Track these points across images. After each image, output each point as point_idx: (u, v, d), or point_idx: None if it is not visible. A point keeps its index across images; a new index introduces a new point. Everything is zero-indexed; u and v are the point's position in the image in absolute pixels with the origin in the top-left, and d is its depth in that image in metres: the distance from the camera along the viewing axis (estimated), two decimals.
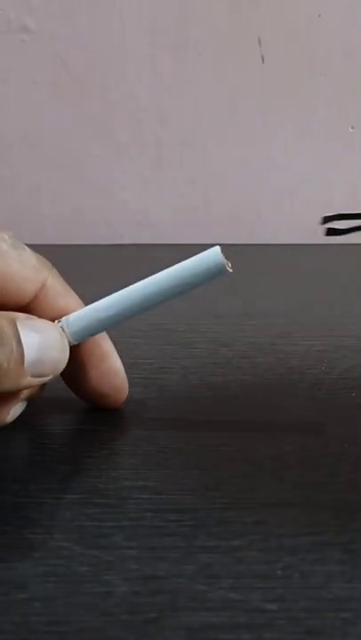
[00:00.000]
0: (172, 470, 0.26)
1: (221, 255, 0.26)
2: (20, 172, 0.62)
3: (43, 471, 0.27)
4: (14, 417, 0.28)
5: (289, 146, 0.62)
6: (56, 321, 0.27)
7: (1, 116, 0.61)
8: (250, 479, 0.26)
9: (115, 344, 0.30)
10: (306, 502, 0.24)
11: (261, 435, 0.29)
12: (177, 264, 0.27)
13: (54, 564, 0.21)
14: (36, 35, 0.59)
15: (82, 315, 0.27)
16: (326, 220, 0.26)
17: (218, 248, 0.26)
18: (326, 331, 0.40)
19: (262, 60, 0.60)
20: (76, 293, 0.29)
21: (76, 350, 0.28)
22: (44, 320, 0.27)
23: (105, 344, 0.29)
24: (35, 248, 0.28)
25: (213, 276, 0.26)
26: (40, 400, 0.29)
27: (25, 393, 0.27)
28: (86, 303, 0.28)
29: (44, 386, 0.28)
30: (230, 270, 0.26)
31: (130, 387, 0.30)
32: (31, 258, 0.27)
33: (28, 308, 0.27)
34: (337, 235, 0.26)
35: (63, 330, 0.27)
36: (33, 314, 0.27)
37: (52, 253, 0.29)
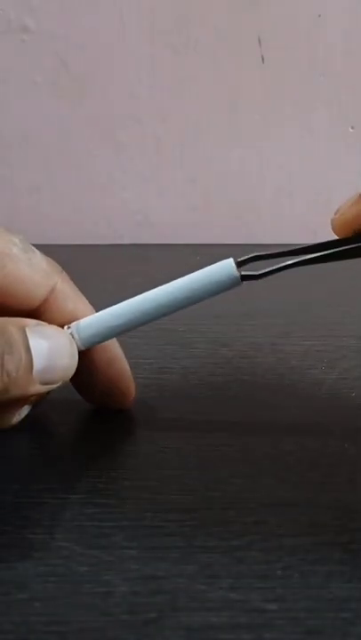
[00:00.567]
0: (172, 470, 0.26)
1: (235, 267, 0.26)
2: (20, 172, 0.62)
3: (43, 471, 0.27)
4: (19, 419, 0.28)
5: (289, 146, 0.62)
6: (65, 326, 0.27)
7: (1, 116, 0.61)
8: (250, 479, 0.26)
9: None
10: (306, 502, 0.24)
11: (261, 435, 0.29)
12: (189, 274, 0.27)
13: (54, 563, 0.21)
14: (36, 35, 0.59)
15: (92, 321, 0.27)
16: (240, 264, 0.26)
17: (231, 260, 0.26)
18: (326, 331, 0.40)
19: (262, 60, 0.60)
20: None
21: (84, 354, 0.27)
22: (54, 326, 0.26)
23: (113, 348, 0.29)
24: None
25: (226, 287, 0.26)
26: (40, 401, 0.29)
27: (32, 397, 0.27)
28: None
29: None
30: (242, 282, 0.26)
31: None
32: (41, 261, 0.27)
33: (37, 311, 0.27)
34: (254, 279, 0.26)
35: (73, 336, 0.27)
36: (42, 318, 0.27)
37: (52, 253, 0.29)
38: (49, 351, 0.25)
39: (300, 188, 0.63)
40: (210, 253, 0.58)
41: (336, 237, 0.26)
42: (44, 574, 0.21)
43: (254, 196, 0.63)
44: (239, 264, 0.26)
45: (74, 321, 0.27)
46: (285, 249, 0.26)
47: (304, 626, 0.19)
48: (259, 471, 0.26)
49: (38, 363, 0.25)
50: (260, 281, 0.26)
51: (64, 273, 0.28)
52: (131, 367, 0.30)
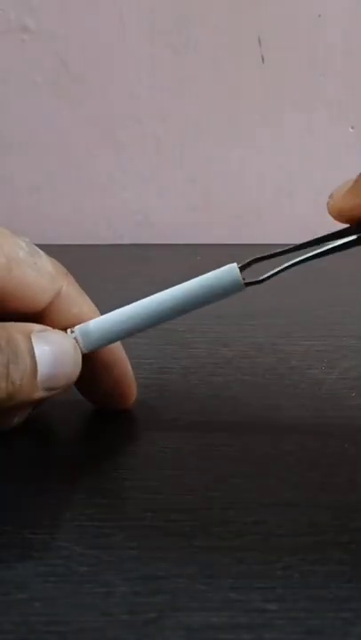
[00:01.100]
0: (172, 470, 0.26)
1: (238, 273, 0.26)
2: (20, 172, 0.62)
3: (43, 471, 0.27)
4: (21, 420, 0.28)
5: (289, 146, 0.62)
6: (69, 330, 0.27)
7: (1, 115, 0.61)
8: (250, 479, 0.26)
9: None
10: (306, 502, 0.24)
11: (261, 435, 0.29)
12: (193, 279, 0.26)
13: (54, 563, 0.21)
14: (36, 35, 0.59)
15: (96, 326, 0.27)
16: (241, 268, 0.26)
17: (235, 266, 0.26)
18: (326, 331, 0.40)
19: (262, 60, 0.60)
20: None
21: (87, 356, 0.27)
22: (58, 331, 0.26)
23: (117, 351, 0.29)
24: None
25: (229, 293, 0.26)
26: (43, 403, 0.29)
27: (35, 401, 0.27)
28: None
29: None
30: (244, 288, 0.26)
31: None
32: (47, 265, 0.27)
33: (42, 314, 0.27)
34: (257, 284, 0.26)
35: (76, 340, 0.27)
36: (47, 320, 0.27)
37: (53, 253, 0.29)
38: (53, 358, 0.25)
39: (300, 188, 0.63)
40: (210, 253, 0.58)
41: (332, 230, 0.26)
42: (44, 574, 0.21)
43: (254, 196, 0.63)
44: (241, 269, 0.26)
45: (78, 324, 0.27)
46: (284, 248, 0.26)
47: (304, 626, 0.19)
48: (259, 471, 0.26)
49: (43, 370, 0.25)
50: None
51: (70, 276, 0.28)
52: (132, 367, 0.30)
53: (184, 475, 0.26)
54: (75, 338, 0.27)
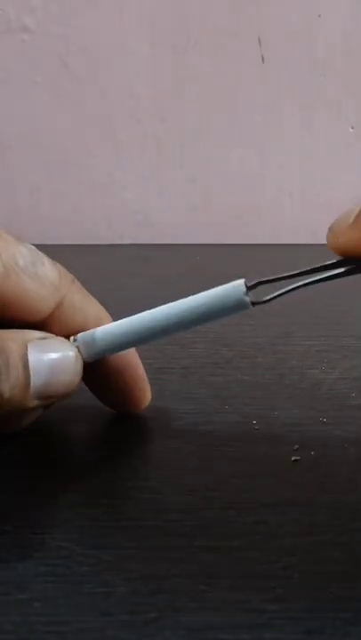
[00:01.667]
0: (172, 470, 0.26)
1: (244, 292, 0.25)
2: (20, 172, 0.63)
3: (43, 471, 0.27)
4: (30, 422, 0.28)
5: (289, 146, 0.62)
6: (72, 338, 0.27)
7: (1, 116, 0.61)
8: (250, 479, 0.26)
9: None
10: (306, 502, 0.24)
11: (261, 435, 0.29)
12: (200, 294, 0.26)
13: (54, 563, 0.21)
14: (36, 35, 0.59)
15: (99, 336, 0.27)
16: (250, 288, 0.26)
17: (242, 283, 0.25)
18: (326, 331, 0.40)
19: (262, 59, 0.60)
20: None
21: (99, 359, 0.27)
22: (60, 339, 0.26)
23: (129, 354, 0.29)
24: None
25: (236, 311, 0.26)
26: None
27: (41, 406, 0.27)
28: None
29: None
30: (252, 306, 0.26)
31: None
32: (50, 274, 0.26)
33: (44, 323, 0.26)
34: (263, 303, 0.26)
35: (79, 349, 0.26)
36: (50, 329, 0.26)
37: (53, 253, 0.29)
38: (50, 368, 0.25)
39: (300, 188, 0.63)
40: (210, 253, 0.58)
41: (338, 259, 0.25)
42: (44, 574, 0.21)
43: (254, 196, 0.63)
44: (248, 289, 0.26)
45: (82, 332, 0.27)
46: (290, 273, 0.26)
47: (304, 626, 0.19)
48: (259, 471, 0.26)
49: (36, 380, 0.24)
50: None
51: (76, 283, 0.27)
52: None
53: (184, 475, 0.26)
54: (77, 346, 0.26)
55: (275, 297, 0.26)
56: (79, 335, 0.27)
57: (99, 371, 0.28)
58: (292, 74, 0.60)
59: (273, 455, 0.27)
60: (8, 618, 0.19)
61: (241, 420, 0.30)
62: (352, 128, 0.62)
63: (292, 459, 0.27)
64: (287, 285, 0.26)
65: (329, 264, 0.25)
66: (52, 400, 0.25)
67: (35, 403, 0.25)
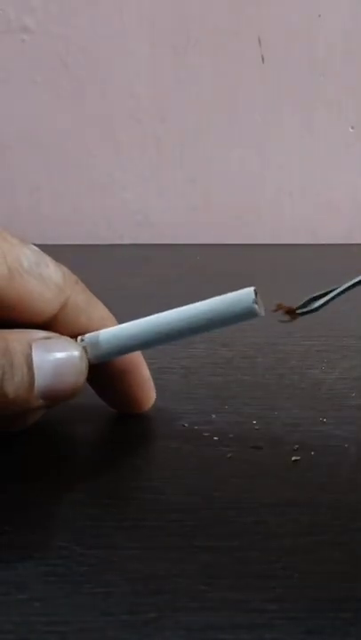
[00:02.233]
0: (172, 470, 0.26)
1: (253, 300, 0.25)
2: (20, 172, 0.63)
3: (43, 471, 0.27)
4: (34, 421, 0.28)
5: (289, 146, 0.62)
6: (79, 338, 0.27)
7: (1, 116, 0.61)
8: (250, 479, 0.26)
9: None
10: (306, 502, 0.24)
11: (261, 435, 0.29)
12: (208, 300, 0.25)
13: (54, 563, 0.21)
14: (36, 35, 0.59)
15: (104, 339, 0.26)
16: (301, 306, 0.25)
17: (251, 291, 0.25)
18: (326, 331, 0.40)
19: (262, 59, 0.60)
20: None
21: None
22: (65, 339, 0.26)
23: (134, 355, 0.28)
24: None
25: (244, 319, 0.25)
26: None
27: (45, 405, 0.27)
28: None
29: None
30: (262, 313, 0.25)
31: None
32: (53, 275, 0.26)
33: (49, 324, 0.26)
34: (310, 313, 0.26)
35: (85, 350, 0.26)
36: (54, 330, 0.26)
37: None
38: (54, 368, 0.25)
39: (300, 188, 0.63)
40: (210, 253, 0.58)
41: None
42: (44, 574, 0.21)
43: (254, 196, 0.63)
44: (299, 307, 0.25)
45: (87, 333, 0.27)
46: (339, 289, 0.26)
47: (304, 626, 0.19)
48: (259, 471, 0.26)
49: (41, 381, 0.24)
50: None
51: (79, 284, 0.27)
52: None
53: (184, 475, 0.26)
54: (84, 346, 0.26)
55: (324, 304, 0.26)
56: (86, 336, 0.27)
57: (103, 372, 0.28)
58: (292, 74, 0.60)
59: (273, 455, 0.27)
60: (8, 618, 0.19)
61: (241, 420, 0.30)
62: (352, 128, 0.62)
63: (292, 459, 0.27)
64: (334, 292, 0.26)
65: None
66: (57, 400, 0.25)
67: (40, 402, 0.25)
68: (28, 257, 0.25)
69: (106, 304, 0.28)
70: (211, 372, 0.34)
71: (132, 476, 0.26)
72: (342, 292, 0.26)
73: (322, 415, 0.30)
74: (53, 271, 0.26)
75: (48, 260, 0.26)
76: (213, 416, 0.30)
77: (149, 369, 0.31)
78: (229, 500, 0.24)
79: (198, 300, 0.26)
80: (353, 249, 0.54)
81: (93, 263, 0.54)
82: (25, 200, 0.63)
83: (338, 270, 0.52)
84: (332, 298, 0.26)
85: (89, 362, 0.26)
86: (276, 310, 0.25)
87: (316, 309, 0.25)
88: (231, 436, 0.28)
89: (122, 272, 0.52)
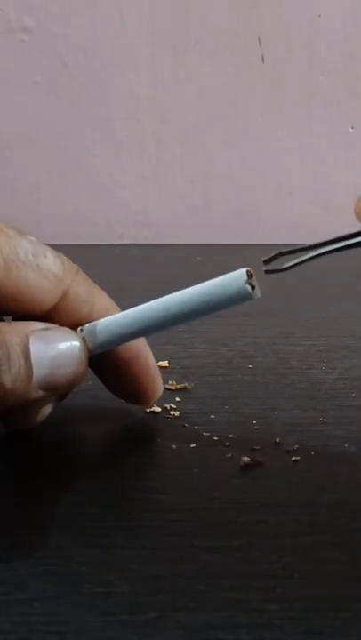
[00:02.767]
0: (172, 470, 0.26)
1: (245, 281, 0.24)
2: (20, 172, 0.63)
3: (43, 471, 0.27)
4: (43, 418, 0.28)
5: (289, 146, 0.62)
6: (79, 329, 0.26)
7: (1, 116, 0.61)
8: (250, 479, 0.26)
9: None
10: (306, 502, 0.24)
11: (261, 435, 0.29)
12: (203, 283, 0.25)
13: (54, 563, 0.21)
14: (36, 35, 0.59)
15: (103, 328, 0.26)
16: (266, 262, 0.25)
17: (243, 272, 0.25)
18: (326, 331, 0.40)
19: (262, 59, 0.60)
20: None
21: (109, 350, 0.27)
22: (63, 329, 0.26)
23: (139, 345, 0.28)
24: None
25: (238, 301, 0.25)
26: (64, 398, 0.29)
27: (50, 398, 0.26)
28: None
29: None
30: (258, 295, 0.25)
31: None
32: (52, 266, 0.26)
33: (49, 315, 0.26)
34: (276, 272, 0.25)
35: (84, 340, 0.26)
36: (55, 321, 0.26)
37: None
38: (53, 359, 0.25)
39: (300, 188, 0.63)
40: (210, 253, 0.58)
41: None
42: (44, 574, 0.21)
43: (254, 196, 0.63)
44: (265, 262, 0.25)
45: (90, 322, 0.27)
46: (311, 244, 0.26)
47: (304, 626, 0.19)
48: (259, 471, 0.26)
49: (39, 371, 0.24)
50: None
51: (80, 273, 0.27)
52: None
53: (184, 475, 0.26)
54: (83, 337, 0.26)
55: (293, 265, 0.25)
56: (86, 326, 0.27)
57: (109, 361, 0.28)
58: (292, 74, 0.60)
59: (273, 455, 0.27)
60: (8, 618, 0.19)
61: (241, 420, 0.30)
62: (352, 128, 0.62)
63: (292, 459, 0.27)
64: (307, 254, 0.25)
65: (350, 234, 0.25)
66: (57, 391, 0.25)
67: (39, 393, 0.25)
68: (25, 248, 0.25)
69: None
70: (211, 372, 0.34)
71: (131, 476, 0.26)
72: (316, 256, 0.25)
73: (322, 415, 0.30)
74: (52, 261, 0.26)
75: (47, 250, 0.26)
76: (213, 416, 0.30)
77: None
78: (229, 500, 0.24)
79: None
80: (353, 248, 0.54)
81: (93, 263, 0.54)
82: (25, 200, 0.63)
83: (338, 270, 0.52)
84: (304, 261, 0.25)
85: (89, 351, 0.26)
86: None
87: (285, 269, 0.25)
88: (231, 435, 0.28)
89: (122, 272, 0.52)
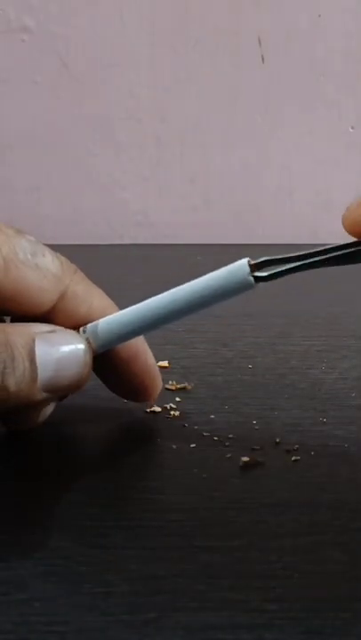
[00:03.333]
0: (172, 470, 0.26)
1: (248, 272, 0.25)
2: (20, 172, 0.63)
3: (43, 471, 0.27)
4: (45, 418, 0.28)
5: (289, 146, 0.62)
6: (81, 329, 0.26)
7: (1, 116, 0.61)
8: (250, 479, 0.26)
9: None
10: (306, 502, 0.24)
11: (261, 435, 0.29)
12: (205, 276, 0.25)
13: (54, 563, 0.21)
14: (36, 35, 0.59)
15: (106, 326, 0.26)
16: (255, 265, 0.25)
17: (245, 263, 0.25)
18: (326, 331, 0.40)
19: (262, 59, 0.60)
20: None
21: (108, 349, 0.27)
22: (68, 331, 0.26)
23: (138, 343, 0.28)
24: None
25: (241, 290, 0.25)
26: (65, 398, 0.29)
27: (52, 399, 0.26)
28: None
29: None
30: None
31: None
32: (50, 265, 0.26)
33: (49, 315, 0.26)
34: (266, 280, 0.25)
35: (88, 341, 0.26)
36: (54, 320, 0.26)
37: None
38: (58, 361, 0.25)
39: (301, 188, 0.63)
40: (210, 253, 0.58)
41: (345, 241, 0.25)
42: (44, 574, 0.21)
43: (254, 196, 0.63)
44: (253, 267, 0.25)
45: (89, 323, 0.27)
46: (293, 252, 0.26)
47: (304, 626, 0.19)
48: (259, 471, 0.26)
49: (44, 374, 0.24)
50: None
51: (78, 273, 0.27)
52: None
53: (184, 475, 0.26)
54: (86, 338, 0.26)
55: (278, 273, 0.25)
56: (88, 326, 0.27)
57: (108, 360, 0.28)
58: (292, 74, 0.60)
59: (273, 455, 0.27)
60: (8, 618, 0.19)
61: (241, 420, 0.30)
62: (352, 128, 0.62)
63: (292, 459, 0.27)
64: (293, 263, 0.25)
65: (337, 246, 0.25)
66: (61, 393, 0.25)
67: (43, 396, 0.25)
68: (24, 247, 0.25)
69: None
70: (211, 372, 0.34)
71: (131, 476, 0.26)
72: (302, 266, 0.25)
73: (322, 415, 0.30)
74: (50, 261, 0.26)
75: (45, 249, 0.26)
76: (213, 416, 0.30)
77: None
78: (229, 500, 0.24)
79: None
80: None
81: (93, 263, 0.54)
82: (25, 200, 0.63)
83: (338, 270, 0.52)
84: (289, 270, 0.25)
85: (93, 352, 0.26)
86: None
87: (271, 278, 0.25)
88: (231, 435, 0.28)
89: (122, 272, 0.52)
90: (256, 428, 0.29)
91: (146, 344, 0.29)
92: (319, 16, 0.59)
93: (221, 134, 0.62)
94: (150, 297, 0.26)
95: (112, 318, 0.27)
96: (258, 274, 0.25)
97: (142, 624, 0.19)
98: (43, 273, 0.26)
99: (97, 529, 0.23)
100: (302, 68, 0.60)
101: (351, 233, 0.25)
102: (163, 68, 0.60)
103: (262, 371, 0.35)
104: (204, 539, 0.22)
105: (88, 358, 0.26)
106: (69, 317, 0.27)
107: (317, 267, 0.25)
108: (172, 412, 0.30)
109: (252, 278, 0.25)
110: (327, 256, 0.25)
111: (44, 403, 0.26)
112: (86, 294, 0.27)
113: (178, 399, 0.31)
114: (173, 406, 0.31)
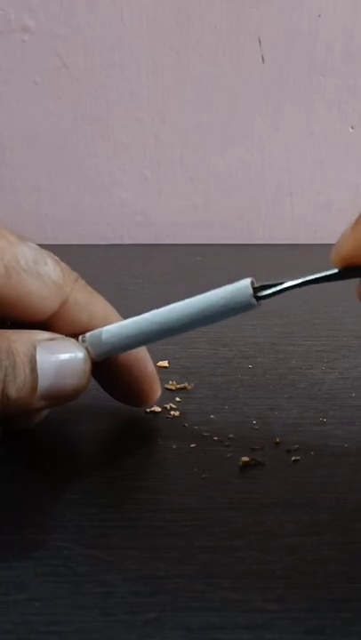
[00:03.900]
0: (172, 470, 0.26)
1: (251, 294, 0.25)
2: (20, 172, 0.62)
3: (42, 471, 0.27)
4: (41, 419, 0.28)
5: (289, 146, 0.62)
6: (80, 337, 0.26)
7: (1, 116, 0.61)
8: (250, 479, 0.26)
9: None
10: (306, 502, 0.24)
11: (261, 435, 0.29)
12: (207, 293, 0.25)
13: (54, 564, 0.21)
14: (36, 35, 0.59)
15: (107, 336, 0.26)
16: (256, 290, 0.25)
17: (248, 285, 0.25)
18: (326, 331, 0.40)
19: (262, 59, 0.60)
20: None
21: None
22: (68, 340, 0.26)
23: (138, 349, 0.28)
24: None
25: (242, 311, 0.25)
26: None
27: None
28: None
29: None
30: (260, 304, 0.25)
31: None
32: (52, 273, 0.26)
33: (50, 322, 0.26)
34: (263, 299, 0.25)
35: (88, 350, 0.26)
36: (55, 328, 0.26)
37: (53, 254, 0.29)
38: (57, 370, 0.25)
39: (301, 188, 0.63)
40: (210, 253, 0.58)
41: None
42: (44, 574, 0.21)
43: (254, 196, 0.63)
44: (256, 289, 0.25)
45: (89, 330, 0.27)
46: (289, 279, 0.26)
47: (304, 626, 0.19)
48: (259, 471, 0.26)
49: (44, 382, 0.24)
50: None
51: (80, 281, 0.27)
52: None
53: (184, 475, 0.26)
54: (86, 347, 0.26)
55: (278, 292, 0.25)
56: (87, 335, 0.27)
57: (108, 366, 0.28)
58: (292, 74, 0.60)
59: (273, 455, 0.27)
60: (8, 618, 0.19)
61: (241, 420, 0.30)
62: (352, 128, 0.62)
63: (292, 459, 0.27)
64: (288, 282, 0.26)
65: (329, 275, 0.25)
66: (59, 401, 0.25)
67: (42, 404, 0.25)
68: (26, 255, 0.25)
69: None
70: (211, 372, 0.34)
71: (131, 476, 0.26)
72: (291, 287, 0.25)
73: (322, 415, 0.30)
74: (52, 269, 0.26)
75: (47, 257, 0.26)
76: (213, 416, 0.30)
77: None
78: (229, 500, 0.24)
79: None
80: None
81: (93, 263, 0.54)
82: (25, 200, 0.63)
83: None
84: (279, 291, 0.25)
85: (92, 360, 0.26)
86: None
87: (266, 297, 0.25)
88: (231, 435, 0.28)
89: (122, 272, 0.52)
90: (256, 427, 0.29)
91: (145, 350, 0.29)
92: (319, 16, 0.59)
93: (221, 134, 0.62)
94: (150, 297, 0.26)
95: (113, 329, 0.27)
96: (259, 294, 0.25)
97: (142, 624, 0.19)
98: (44, 281, 0.26)
99: (97, 529, 0.23)
100: (302, 68, 0.60)
101: (338, 267, 0.25)
102: (163, 68, 0.60)
103: (262, 371, 0.35)
104: (204, 539, 0.22)
105: (87, 367, 0.26)
106: (70, 325, 0.27)
107: (312, 284, 0.26)
108: (172, 412, 0.30)
109: (255, 300, 0.25)
110: (320, 275, 0.25)
111: (41, 409, 0.26)
112: (87, 302, 0.27)
113: (178, 399, 0.32)
114: (173, 406, 0.31)
